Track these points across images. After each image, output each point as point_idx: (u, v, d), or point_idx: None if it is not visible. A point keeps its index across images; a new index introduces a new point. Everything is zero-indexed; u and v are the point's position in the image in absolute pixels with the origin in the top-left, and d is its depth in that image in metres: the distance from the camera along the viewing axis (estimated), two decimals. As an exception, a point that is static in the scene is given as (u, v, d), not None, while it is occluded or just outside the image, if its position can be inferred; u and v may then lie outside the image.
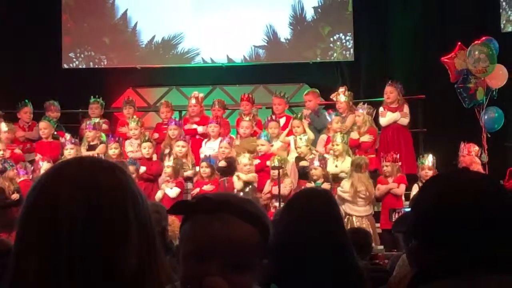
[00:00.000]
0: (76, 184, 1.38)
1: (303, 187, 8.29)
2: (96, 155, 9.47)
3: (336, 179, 9.68)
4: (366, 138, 10.30)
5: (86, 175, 1.40)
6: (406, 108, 10.58)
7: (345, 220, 8.81)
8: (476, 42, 10.35)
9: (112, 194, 1.39)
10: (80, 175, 1.40)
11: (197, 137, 10.99)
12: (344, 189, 9.40)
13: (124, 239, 1.38)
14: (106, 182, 1.40)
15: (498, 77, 10.31)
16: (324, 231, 2.97)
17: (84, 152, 10.37)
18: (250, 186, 9.78)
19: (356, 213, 9.32)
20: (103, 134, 10.99)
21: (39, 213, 1.37)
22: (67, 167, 1.43)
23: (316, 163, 9.57)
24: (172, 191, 9.82)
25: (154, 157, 10.54)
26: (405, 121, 10.56)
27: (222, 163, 10.07)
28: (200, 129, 11.07)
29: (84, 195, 1.37)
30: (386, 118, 10.54)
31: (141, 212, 1.42)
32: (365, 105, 10.55)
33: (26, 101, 11.31)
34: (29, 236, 1.37)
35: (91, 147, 10.70)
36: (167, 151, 10.53)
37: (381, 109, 10.62)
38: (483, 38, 10.40)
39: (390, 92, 10.57)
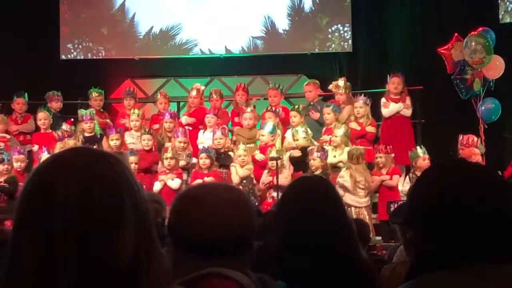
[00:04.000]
0: (70, 174, 1.40)
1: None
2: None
3: (335, 169, 9.67)
4: (371, 129, 10.32)
5: (80, 165, 1.42)
6: (408, 100, 10.57)
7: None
8: (473, 33, 10.33)
9: (106, 182, 1.41)
10: (74, 164, 1.42)
11: (188, 128, 10.87)
12: (344, 178, 9.40)
13: (119, 227, 1.39)
14: (100, 171, 1.42)
15: (495, 68, 10.30)
16: (326, 219, 2.87)
17: (79, 144, 10.23)
18: (247, 178, 9.79)
19: (356, 204, 9.30)
20: (96, 126, 10.89)
21: (36, 203, 1.39)
22: (62, 157, 1.46)
23: (316, 154, 9.57)
24: (174, 182, 9.80)
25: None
26: (408, 112, 10.54)
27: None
28: (183, 120, 11.02)
29: (78, 184, 1.39)
30: (389, 109, 10.50)
31: (137, 201, 1.44)
32: (363, 96, 10.55)
33: (25, 94, 11.28)
34: (25, 225, 1.40)
35: (87, 139, 10.61)
36: (167, 144, 10.47)
37: (383, 100, 10.59)
38: (480, 29, 10.38)
39: (398, 84, 10.54)
